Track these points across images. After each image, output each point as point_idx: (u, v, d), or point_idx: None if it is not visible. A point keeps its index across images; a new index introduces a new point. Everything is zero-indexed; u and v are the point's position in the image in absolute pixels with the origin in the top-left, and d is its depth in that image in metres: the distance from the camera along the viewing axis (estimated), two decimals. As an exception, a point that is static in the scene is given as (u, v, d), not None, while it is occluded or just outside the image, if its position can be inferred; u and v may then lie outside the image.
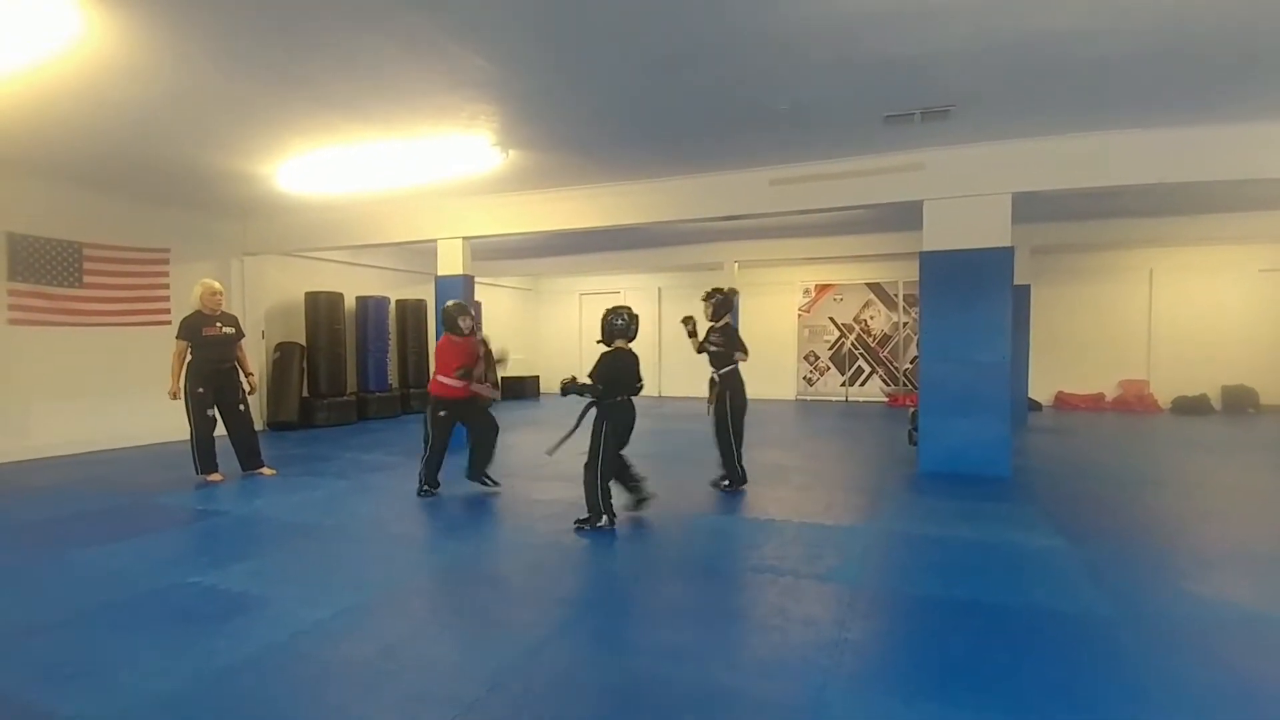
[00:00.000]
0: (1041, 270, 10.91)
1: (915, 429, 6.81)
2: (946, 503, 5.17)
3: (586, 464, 4.62)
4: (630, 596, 3.44)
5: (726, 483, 5.56)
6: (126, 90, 4.71)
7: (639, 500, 4.85)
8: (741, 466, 5.56)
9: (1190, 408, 11.38)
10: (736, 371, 5.56)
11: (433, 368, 5.69)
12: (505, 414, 11.81)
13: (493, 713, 2.31)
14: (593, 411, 4.69)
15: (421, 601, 3.40)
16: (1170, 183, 5.75)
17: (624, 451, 4.80)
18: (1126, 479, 6.15)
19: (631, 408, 4.76)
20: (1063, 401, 12.26)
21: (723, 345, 5.52)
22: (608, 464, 4.62)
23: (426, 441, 5.53)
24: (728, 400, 5.48)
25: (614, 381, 4.64)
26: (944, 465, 6.25)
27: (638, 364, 4.81)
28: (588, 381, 4.58)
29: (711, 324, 5.67)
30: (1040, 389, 11.64)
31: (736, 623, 3.12)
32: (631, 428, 4.75)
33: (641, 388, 4.80)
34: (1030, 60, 4.36)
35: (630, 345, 4.77)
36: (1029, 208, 7.30)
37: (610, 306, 4.81)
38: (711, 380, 5.61)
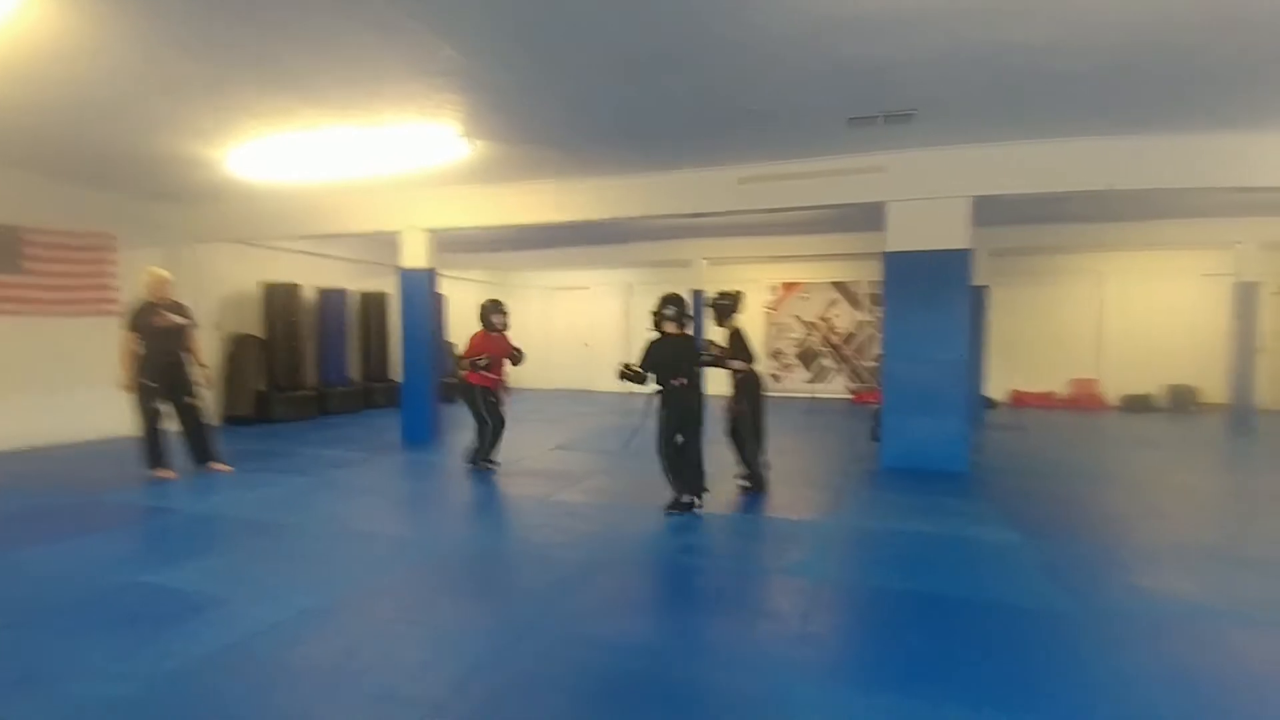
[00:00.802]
0: (998, 272, 11.17)
1: (878, 425, 6.93)
2: (907, 498, 5.28)
3: (657, 451, 4.84)
4: (598, 592, 3.43)
5: (746, 484, 5.42)
6: (69, 67, 4.47)
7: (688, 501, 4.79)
8: (761, 472, 5.41)
9: (1137, 405, 11.82)
10: (751, 376, 5.36)
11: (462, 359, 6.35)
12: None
13: (461, 712, 2.28)
14: (656, 402, 4.85)
15: (386, 601, 3.33)
16: (1121, 189, 5.94)
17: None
18: (1077, 475, 6.36)
19: (693, 394, 4.83)
20: (1017, 399, 12.61)
21: (718, 353, 5.31)
22: (668, 446, 4.77)
23: (482, 423, 6.24)
24: (745, 404, 5.34)
25: (660, 366, 4.77)
26: (905, 461, 6.38)
27: (689, 349, 4.92)
28: (638, 369, 4.78)
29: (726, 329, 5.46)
30: (995, 387, 11.94)
31: (702, 617, 3.14)
32: (697, 414, 4.84)
33: (697, 374, 4.88)
34: (995, 69, 4.45)
35: (684, 331, 4.91)
36: (987, 211, 7.46)
37: (662, 295, 5.00)
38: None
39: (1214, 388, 11.11)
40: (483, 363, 6.10)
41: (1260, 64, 4.28)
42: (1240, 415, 9.26)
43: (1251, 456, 7.70)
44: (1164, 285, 12.09)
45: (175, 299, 6.03)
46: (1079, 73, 4.44)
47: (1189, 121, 5.42)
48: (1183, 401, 11.72)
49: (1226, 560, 3.94)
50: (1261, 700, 2.40)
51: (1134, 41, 3.98)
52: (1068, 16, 3.70)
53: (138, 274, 5.99)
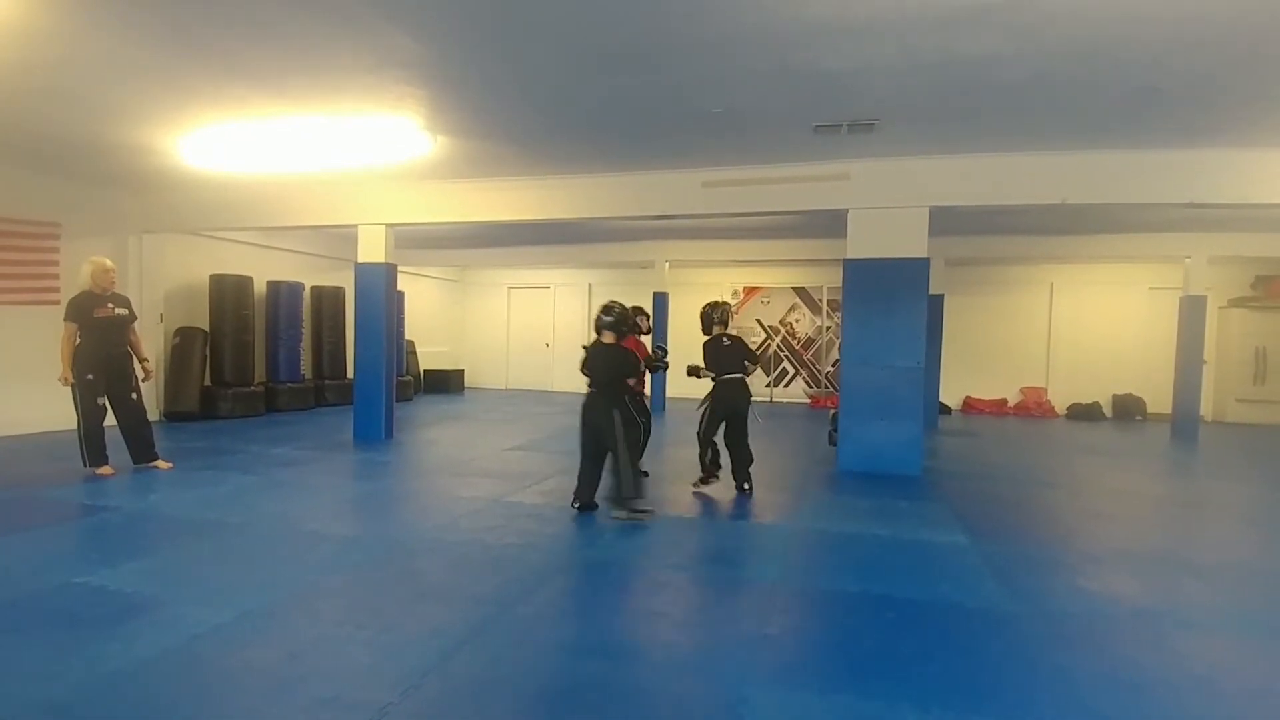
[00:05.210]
0: (953, 281, 11.45)
1: (835, 430, 7.02)
2: (862, 501, 5.35)
3: (698, 433, 5.62)
4: (550, 595, 3.38)
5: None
6: (18, 51, 4.29)
7: (702, 478, 5.59)
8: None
9: (1083, 414, 12.21)
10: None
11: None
12: (428, 409, 11.50)
13: (407, 717, 2.22)
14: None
15: (333, 603, 3.23)
16: (1074, 204, 6.13)
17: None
18: (1025, 480, 6.54)
19: (737, 386, 5.46)
20: (970, 406, 12.93)
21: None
22: (708, 427, 5.51)
23: (636, 445, 5.05)
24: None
25: (714, 362, 5.51)
26: (861, 465, 6.47)
27: (737, 347, 5.55)
28: (700, 366, 5.57)
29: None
30: (949, 393, 12.22)
31: (658, 621, 3.12)
32: (739, 402, 5.48)
33: (750, 370, 5.54)
34: (948, 80, 4.55)
35: (729, 331, 5.64)
36: (944, 221, 7.64)
37: (711, 301, 5.82)
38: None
39: (1159, 398, 11.51)
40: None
41: (1212, 81, 4.45)
42: (1184, 425, 9.60)
43: (1193, 466, 8.00)
44: (1113, 297, 12.53)
45: (118, 290, 5.81)
46: (1026, 84, 4.56)
47: (1142, 138, 5.63)
48: (1128, 411, 12.15)
49: (1168, 564, 4.08)
50: (1202, 700, 2.48)
51: (1079, 54, 4.10)
52: (1015, 28, 3.78)
53: (81, 264, 5.72)
